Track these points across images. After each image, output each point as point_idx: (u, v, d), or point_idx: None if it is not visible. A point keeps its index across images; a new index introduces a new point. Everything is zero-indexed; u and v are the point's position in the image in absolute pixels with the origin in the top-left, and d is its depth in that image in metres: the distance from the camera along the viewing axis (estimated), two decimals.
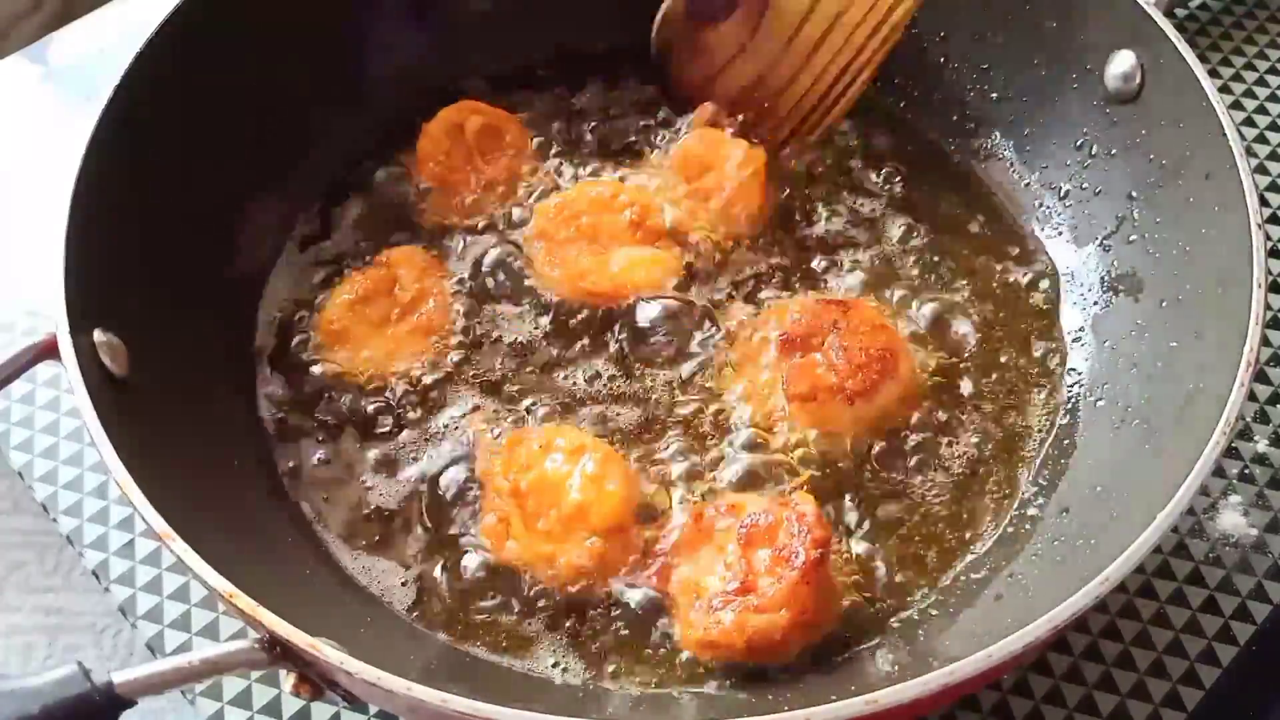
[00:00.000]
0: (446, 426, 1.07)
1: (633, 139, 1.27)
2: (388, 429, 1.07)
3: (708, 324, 1.12)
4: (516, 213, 1.20)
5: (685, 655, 0.93)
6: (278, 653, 0.77)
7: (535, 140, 1.26)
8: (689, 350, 1.10)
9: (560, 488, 0.97)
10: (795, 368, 1.04)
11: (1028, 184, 1.21)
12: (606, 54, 1.33)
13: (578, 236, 1.13)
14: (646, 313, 1.11)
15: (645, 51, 1.30)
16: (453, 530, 1.01)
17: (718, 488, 1.02)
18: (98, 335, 0.90)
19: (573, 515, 0.96)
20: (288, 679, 0.79)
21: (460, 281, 1.15)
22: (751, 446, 1.04)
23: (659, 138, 1.27)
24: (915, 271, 1.17)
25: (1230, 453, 1.11)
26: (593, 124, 1.29)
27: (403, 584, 0.99)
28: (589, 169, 1.23)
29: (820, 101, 1.24)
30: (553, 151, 1.26)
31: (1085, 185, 1.16)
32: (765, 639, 0.89)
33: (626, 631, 0.95)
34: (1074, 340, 1.11)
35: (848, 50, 1.19)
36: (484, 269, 1.16)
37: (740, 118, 1.25)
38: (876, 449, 1.04)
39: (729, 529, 0.95)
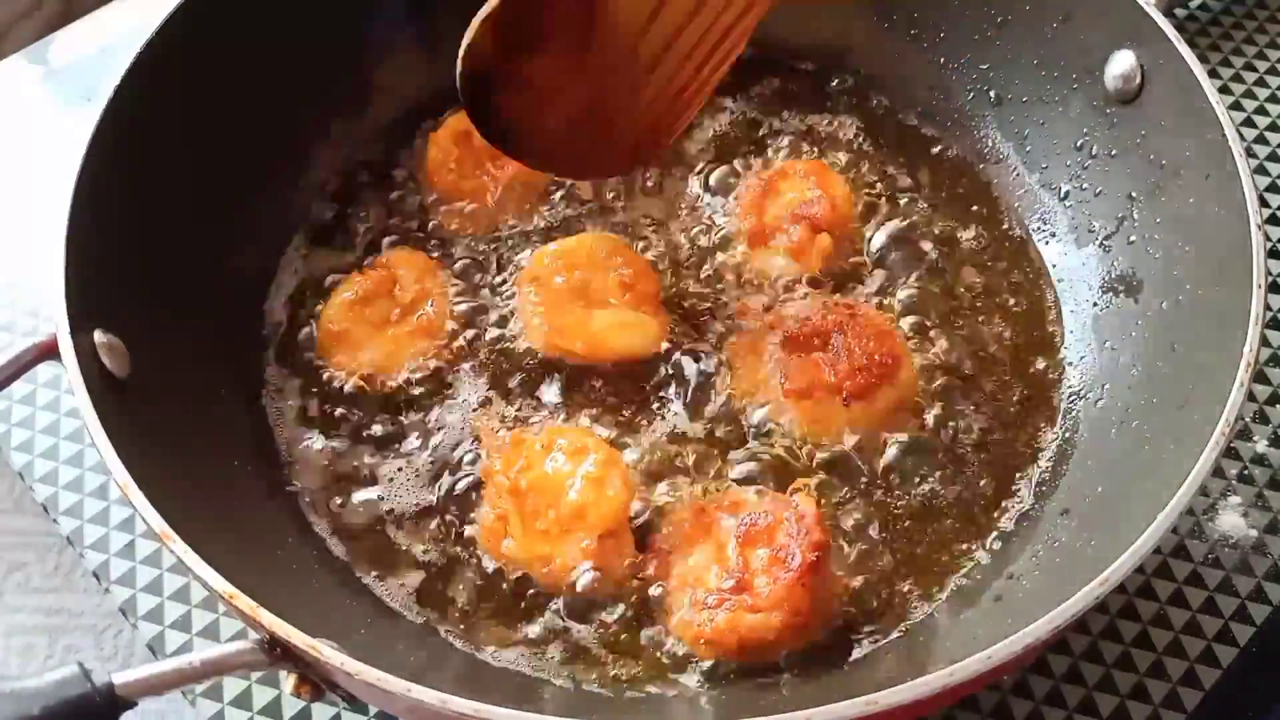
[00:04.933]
0: (447, 427, 1.07)
1: None
2: (388, 429, 1.07)
3: (709, 325, 1.12)
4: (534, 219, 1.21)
5: (685, 655, 0.94)
6: (278, 653, 0.77)
7: None
8: (691, 348, 1.11)
9: (560, 488, 0.97)
10: (794, 364, 1.04)
11: (1028, 184, 1.21)
12: None
13: (567, 289, 1.10)
14: None
15: None
16: (453, 530, 1.01)
17: (719, 485, 1.02)
18: (98, 335, 0.90)
19: (571, 516, 0.96)
20: (288, 680, 0.79)
21: (461, 283, 1.16)
22: (753, 445, 1.04)
23: None
24: (914, 274, 1.17)
25: (1229, 453, 1.11)
26: None
27: (402, 584, 0.99)
28: None
29: (663, 117, 1.09)
30: None
31: (1085, 186, 1.16)
32: (758, 639, 0.89)
33: (625, 631, 0.95)
34: (1074, 341, 1.11)
35: (687, 69, 1.04)
36: (487, 273, 1.16)
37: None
38: (877, 450, 1.04)
39: (728, 527, 0.96)
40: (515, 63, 1.02)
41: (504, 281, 1.16)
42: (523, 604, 0.97)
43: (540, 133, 1.08)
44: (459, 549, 1.00)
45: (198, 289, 1.07)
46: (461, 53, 1.01)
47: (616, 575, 0.96)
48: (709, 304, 1.14)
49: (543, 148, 1.10)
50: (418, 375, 1.10)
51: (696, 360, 1.10)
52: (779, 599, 0.90)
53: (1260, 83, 1.40)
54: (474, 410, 1.08)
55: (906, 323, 1.12)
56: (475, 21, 0.99)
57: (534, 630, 0.96)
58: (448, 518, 1.02)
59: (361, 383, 1.09)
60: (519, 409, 1.07)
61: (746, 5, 1.00)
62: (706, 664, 0.93)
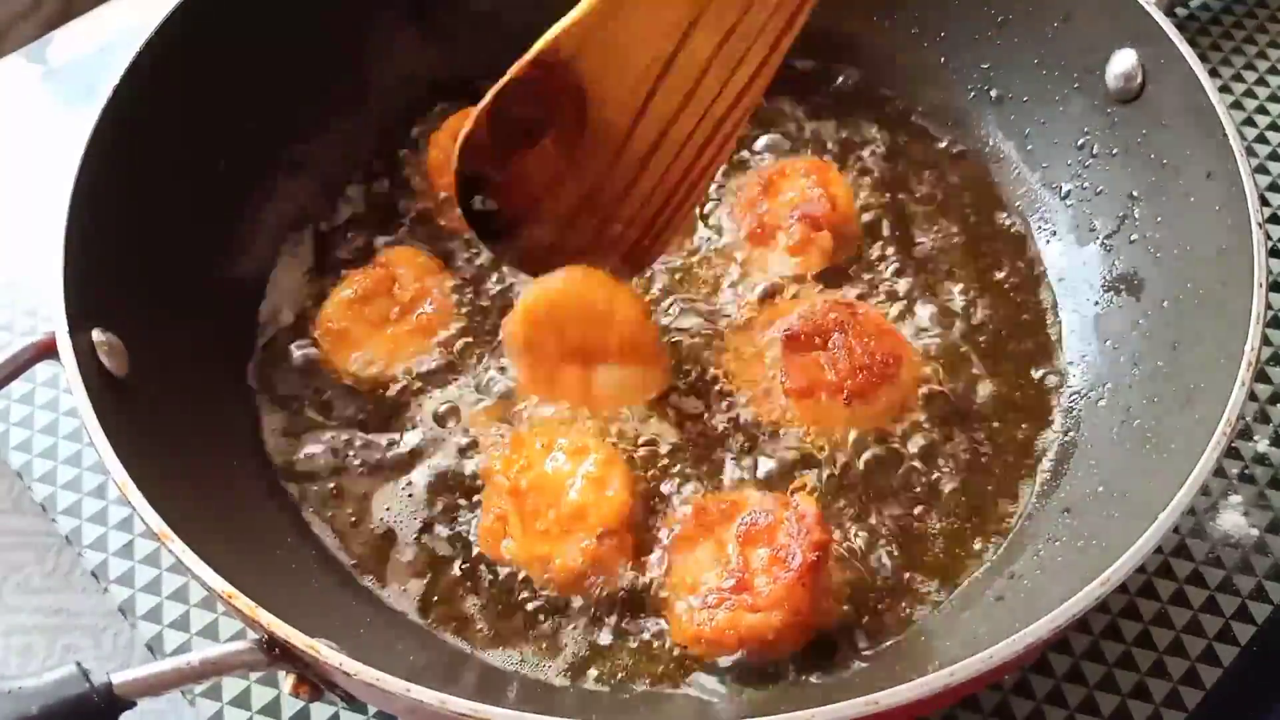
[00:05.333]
0: (447, 426, 1.07)
1: None
2: (387, 428, 1.07)
3: (710, 324, 1.12)
4: None
5: (685, 654, 0.93)
6: (277, 653, 0.77)
7: None
8: (692, 348, 1.11)
9: (560, 488, 0.97)
10: (796, 364, 1.04)
11: (1029, 183, 1.21)
12: None
13: (562, 350, 1.03)
14: None
15: None
16: (453, 530, 1.01)
17: (720, 484, 1.02)
18: (97, 335, 0.90)
19: (571, 516, 0.96)
20: (287, 680, 0.79)
21: (461, 283, 1.15)
22: (754, 444, 1.04)
23: None
24: (915, 272, 1.16)
25: (1231, 453, 1.11)
26: None
27: (401, 584, 0.99)
28: None
29: (662, 210, 1.08)
30: None
31: (1086, 185, 1.15)
32: (758, 638, 0.89)
33: (625, 630, 0.95)
34: (1075, 340, 1.11)
35: (684, 158, 1.04)
36: (487, 271, 1.16)
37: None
38: (878, 450, 1.04)
39: (729, 526, 0.95)
40: (508, 160, 1.02)
41: (503, 280, 1.15)
42: (522, 604, 0.96)
43: (534, 233, 1.08)
44: (458, 549, 1.00)
45: (197, 289, 1.07)
46: (458, 148, 1.01)
47: (616, 575, 0.96)
48: (709, 304, 1.14)
49: (536, 248, 1.08)
50: (417, 374, 1.09)
51: (697, 360, 1.10)
52: (779, 598, 0.89)
53: (1260, 82, 1.40)
54: (474, 410, 1.07)
55: (907, 322, 1.12)
56: (472, 114, 0.99)
57: (533, 630, 0.95)
58: (447, 518, 1.02)
59: (361, 381, 1.09)
60: (519, 408, 1.07)
61: (738, 96, 1.01)
62: (706, 663, 0.93)
